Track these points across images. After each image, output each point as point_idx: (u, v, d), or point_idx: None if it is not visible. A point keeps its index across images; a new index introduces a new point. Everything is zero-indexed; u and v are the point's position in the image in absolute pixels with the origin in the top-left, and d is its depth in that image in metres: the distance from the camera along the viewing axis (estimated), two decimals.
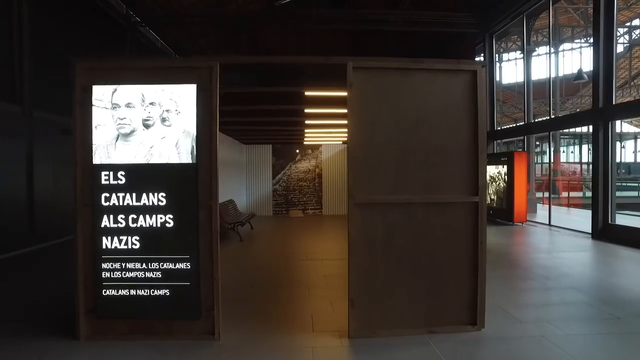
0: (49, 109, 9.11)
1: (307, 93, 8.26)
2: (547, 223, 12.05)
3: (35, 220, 8.72)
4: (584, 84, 26.59)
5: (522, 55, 16.23)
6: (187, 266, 3.93)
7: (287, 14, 13.84)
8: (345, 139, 15.32)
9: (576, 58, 27.56)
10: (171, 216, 3.92)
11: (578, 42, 27.20)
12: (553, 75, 15.90)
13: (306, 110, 9.28)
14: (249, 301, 5.21)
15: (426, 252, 4.09)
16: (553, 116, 13.93)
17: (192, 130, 3.93)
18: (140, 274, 3.90)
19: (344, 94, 4.15)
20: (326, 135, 13.93)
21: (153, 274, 3.90)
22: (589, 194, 16.88)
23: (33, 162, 8.68)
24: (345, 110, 4.14)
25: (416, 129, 4.10)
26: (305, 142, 15.59)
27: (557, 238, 10.18)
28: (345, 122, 4.20)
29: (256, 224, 12.72)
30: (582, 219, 12.02)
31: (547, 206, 13.16)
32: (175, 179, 3.93)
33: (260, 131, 13.37)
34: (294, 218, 15.10)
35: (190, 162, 3.93)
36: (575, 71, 21.75)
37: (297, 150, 16.18)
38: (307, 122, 10.11)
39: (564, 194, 20.21)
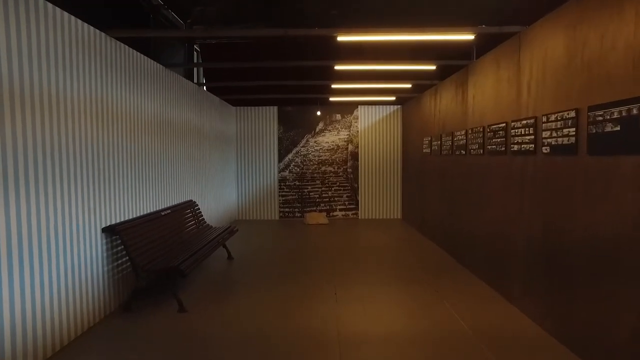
0: None
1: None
2: None
3: None
4: None
5: None
6: None
7: None
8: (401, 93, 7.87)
9: None
10: None
11: None
12: None
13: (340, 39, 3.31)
14: None
15: None
16: None
17: None
18: None
19: None
20: (369, 89, 7.76)
21: None
22: None
23: None
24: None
25: None
26: (331, 100, 9.52)
27: None
28: None
29: (246, 240, 6.85)
30: None
31: None
32: None
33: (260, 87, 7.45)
34: (312, 226, 9.12)
35: None
36: None
37: (319, 113, 10.11)
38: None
39: None
